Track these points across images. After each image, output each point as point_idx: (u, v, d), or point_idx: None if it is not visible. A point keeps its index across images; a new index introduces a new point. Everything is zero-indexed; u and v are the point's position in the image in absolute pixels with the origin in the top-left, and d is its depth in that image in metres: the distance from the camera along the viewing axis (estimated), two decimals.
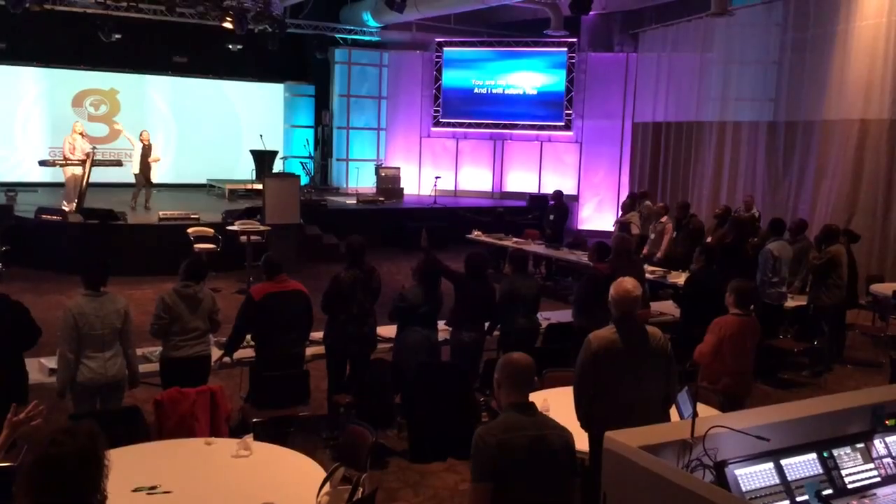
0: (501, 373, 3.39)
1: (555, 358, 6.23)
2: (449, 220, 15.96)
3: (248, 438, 4.25)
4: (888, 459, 3.45)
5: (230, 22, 15.31)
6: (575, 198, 18.70)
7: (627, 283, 4.22)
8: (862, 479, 3.33)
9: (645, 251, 11.26)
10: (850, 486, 3.28)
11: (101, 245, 11.58)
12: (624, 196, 16.27)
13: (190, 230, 11.80)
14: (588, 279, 7.25)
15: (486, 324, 6.77)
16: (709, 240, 10.00)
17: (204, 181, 18.66)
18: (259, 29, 16.29)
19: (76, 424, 2.49)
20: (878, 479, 3.37)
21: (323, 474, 3.87)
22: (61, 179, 13.74)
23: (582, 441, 4.21)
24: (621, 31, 18.59)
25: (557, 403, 4.87)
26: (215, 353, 5.92)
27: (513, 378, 3.37)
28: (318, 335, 6.35)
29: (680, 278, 9.12)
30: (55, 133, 16.57)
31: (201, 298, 5.62)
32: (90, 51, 17.05)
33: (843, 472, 3.30)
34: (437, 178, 18.34)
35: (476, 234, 13.47)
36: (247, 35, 16.17)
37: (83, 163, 13.11)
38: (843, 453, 3.36)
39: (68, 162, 13.16)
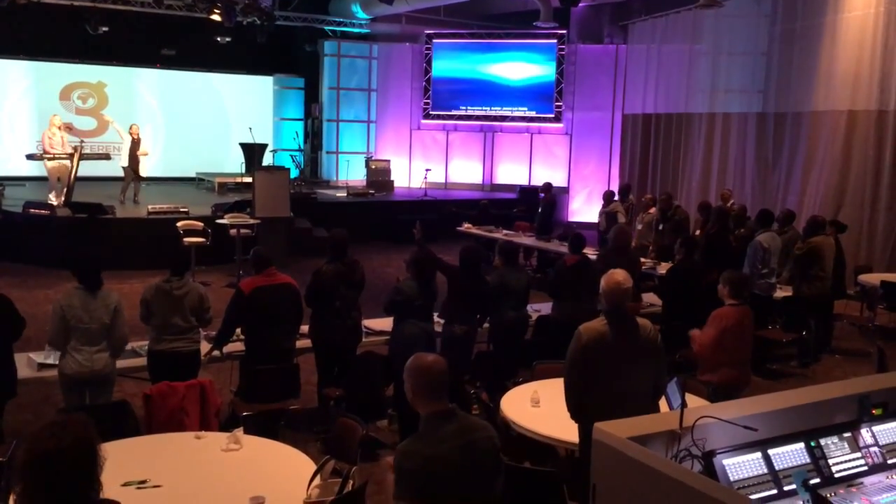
0: (415, 380, 3.19)
1: (544, 350, 6.24)
2: (439, 212, 15.96)
3: (238, 432, 4.25)
4: (875, 448, 3.47)
5: (218, 14, 15.24)
6: (565, 190, 18.73)
7: (618, 275, 4.23)
8: (849, 468, 3.35)
9: (634, 243, 11.28)
10: (837, 475, 3.30)
11: (90, 239, 11.53)
12: (614, 188, 16.29)
13: (179, 224, 11.75)
14: (556, 269, 7.36)
15: (478, 317, 6.78)
16: (697, 233, 10.02)
17: (193, 174, 18.58)
18: (247, 21, 16.22)
19: (68, 417, 2.49)
20: (865, 467, 3.39)
21: (313, 467, 3.87)
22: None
23: (573, 432, 4.24)
24: (611, 23, 18.59)
25: (547, 395, 4.90)
26: (202, 348, 5.91)
27: (429, 385, 3.18)
28: (306, 329, 6.34)
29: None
30: (42, 127, 16.27)
31: (180, 296, 5.58)
32: (77, 43, 16.92)
33: (831, 462, 3.32)
34: (427, 170, 18.33)
35: (466, 227, 13.47)
36: (235, 27, 16.10)
37: (71, 156, 13.02)
38: (830, 442, 3.37)
39: (55, 156, 13.06)
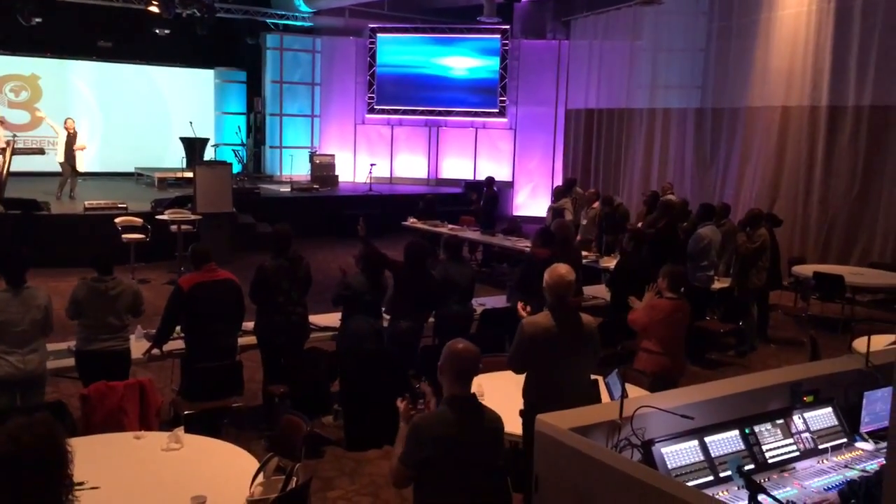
0: (445, 362, 3.40)
1: (490, 344, 6.27)
2: (384, 207, 15.93)
3: (179, 431, 4.18)
4: (806, 434, 3.59)
5: (156, 6, 14.92)
6: (510, 184, 18.85)
7: (561, 268, 4.29)
8: (782, 454, 3.46)
9: (578, 237, 11.43)
10: (770, 461, 3.41)
11: (24, 236, 11.20)
12: (558, 182, 16.48)
13: (117, 220, 11.49)
14: (527, 263, 7.32)
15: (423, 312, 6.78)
16: (639, 225, 10.17)
17: (132, 170, 18.20)
18: (187, 13, 15.91)
19: (31, 417, 2.41)
20: (797, 453, 3.51)
21: (256, 465, 3.83)
22: None
23: (516, 424, 4.27)
24: (553, 19, 18.78)
25: (492, 388, 4.93)
26: (142, 346, 5.80)
27: (456, 369, 3.37)
28: (250, 325, 6.27)
29: (612, 263, 9.28)
30: None
31: (114, 296, 5.46)
32: (9, 35, 16.38)
33: (764, 448, 3.43)
34: (372, 165, 18.26)
35: (412, 222, 13.45)
36: (175, 19, 15.78)
37: (3, 151, 12.63)
38: (763, 429, 3.48)
39: None
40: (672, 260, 6.69)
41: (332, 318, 6.59)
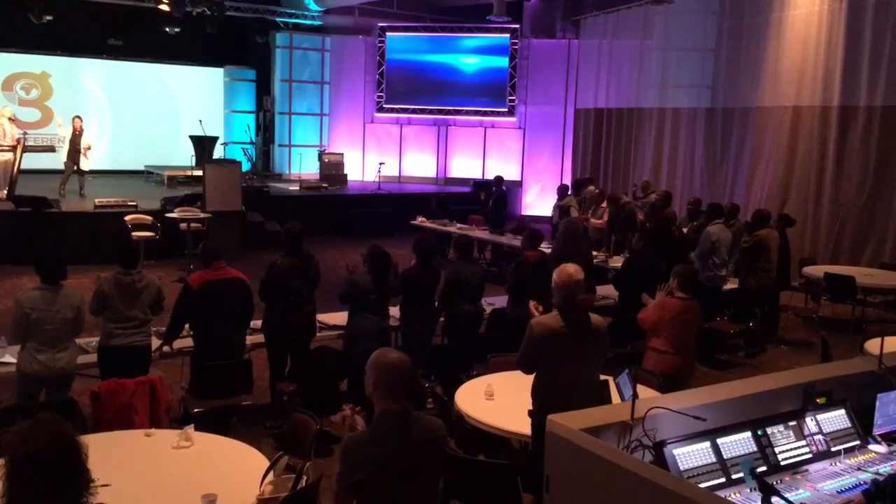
0: (375, 375, 3.12)
1: (498, 343, 6.26)
2: (393, 206, 15.94)
3: (189, 429, 4.18)
4: (819, 436, 3.57)
5: (167, 4, 14.96)
6: (518, 184, 18.82)
7: (570, 268, 4.26)
8: (794, 456, 3.44)
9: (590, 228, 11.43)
10: (783, 463, 3.39)
11: (34, 233, 11.24)
12: (567, 182, 16.43)
13: (127, 218, 11.52)
14: (516, 267, 7.22)
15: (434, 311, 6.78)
16: (685, 230, 10.11)
17: (142, 168, 18.25)
18: (197, 11, 15.94)
19: (39, 417, 2.44)
20: (810, 455, 3.48)
21: (266, 464, 3.83)
22: None
23: (526, 424, 4.26)
24: (563, 18, 18.72)
25: (501, 388, 4.93)
26: (155, 342, 5.81)
27: (388, 382, 3.10)
28: (258, 323, 6.28)
29: (620, 262, 9.24)
30: None
31: (140, 289, 5.49)
32: (20, 33, 16.44)
33: (777, 450, 3.40)
34: (381, 164, 18.24)
35: (420, 221, 13.45)
36: (184, 18, 15.82)
37: (13, 148, 12.69)
38: (776, 431, 3.46)
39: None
40: (669, 260, 6.67)
41: (341, 317, 6.58)
